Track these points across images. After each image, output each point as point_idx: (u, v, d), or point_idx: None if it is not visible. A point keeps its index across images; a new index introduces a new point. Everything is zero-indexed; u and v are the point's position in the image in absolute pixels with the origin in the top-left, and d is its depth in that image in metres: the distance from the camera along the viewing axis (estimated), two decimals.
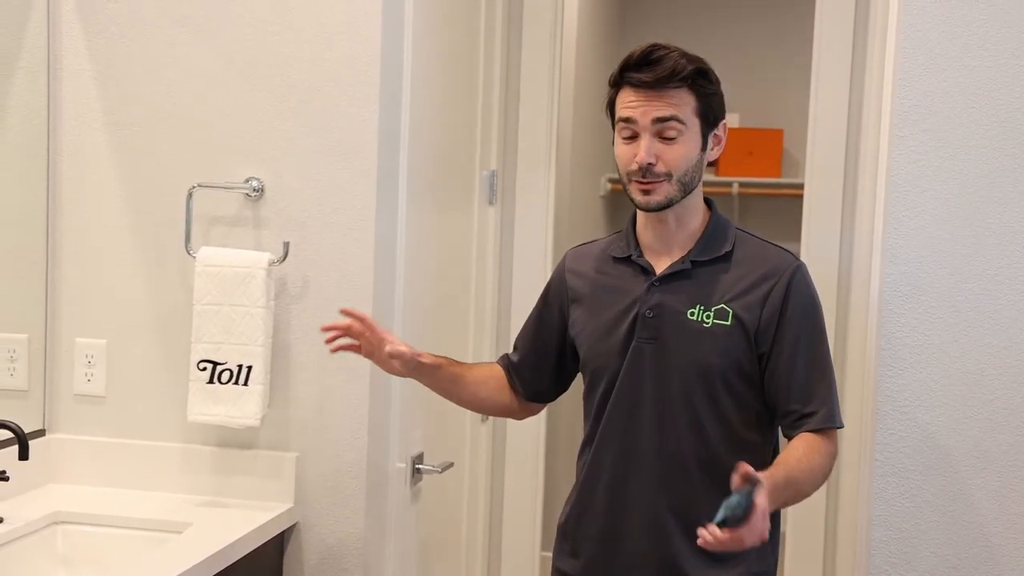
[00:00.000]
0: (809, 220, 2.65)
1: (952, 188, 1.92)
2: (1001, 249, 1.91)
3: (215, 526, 1.90)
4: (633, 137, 1.69)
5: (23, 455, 1.83)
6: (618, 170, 1.74)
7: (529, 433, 2.88)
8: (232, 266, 1.99)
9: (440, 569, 2.56)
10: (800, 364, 1.71)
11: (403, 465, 2.19)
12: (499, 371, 1.94)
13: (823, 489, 2.17)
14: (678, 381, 1.71)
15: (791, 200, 4.22)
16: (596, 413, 1.78)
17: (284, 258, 2.02)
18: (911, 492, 1.93)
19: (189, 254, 2.04)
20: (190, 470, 2.08)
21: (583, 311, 1.81)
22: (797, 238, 2.72)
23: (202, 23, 2.05)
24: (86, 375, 2.13)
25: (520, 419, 2.06)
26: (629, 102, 1.68)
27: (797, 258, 1.77)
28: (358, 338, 1.83)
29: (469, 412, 2.70)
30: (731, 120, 5.30)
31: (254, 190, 2.04)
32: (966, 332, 1.90)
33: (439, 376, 1.87)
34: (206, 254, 2.01)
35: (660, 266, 1.75)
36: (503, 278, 2.79)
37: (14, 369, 2.09)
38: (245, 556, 1.86)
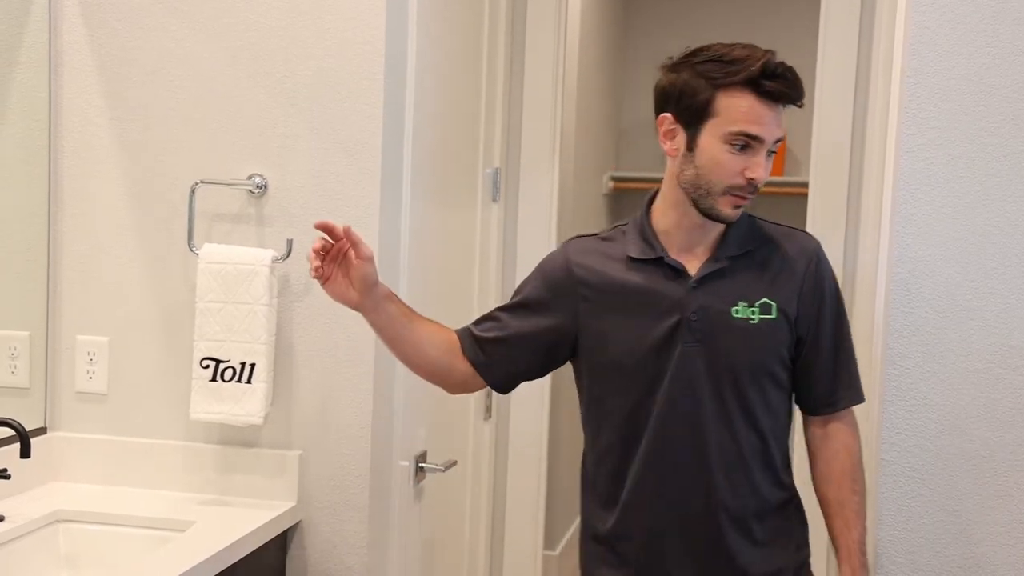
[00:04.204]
0: (813, 219, 2.64)
1: (961, 186, 1.91)
2: (1011, 248, 1.89)
3: (218, 525, 1.89)
4: (744, 148, 1.62)
5: (25, 453, 1.82)
6: (696, 175, 1.64)
7: (532, 431, 2.88)
8: (235, 263, 1.98)
9: (443, 567, 2.55)
10: (834, 346, 1.76)
11: (406, 463, 2.18)
12: (449, 335, 1.80)
13: None
14: (730, 381, 1.70)
15: (795, 199, 4.21)
16: (630, 418, 1.71)
17: (287, 255, 2.01)
18: (918, 492, 1.91)
19: (192, 251, 2.02)
20: (192, 468, 2.07)
21: (603, 312, 1.72)
22: None
23: (206, 19, 2.04)
24: (88, 372, 2.12)
25: (453, 393, 1.90)
26: (756, 114, 1.60)
27: (810, 234, 1.78)
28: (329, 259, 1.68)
29: (472, 410, 2.69)
30: None
31: (257, 187, 2.03)
32: (974, 332, 1.88)
33: (392, 312, 1.73)
34: (209, 251, 2.00)
35: (691, 266, 1.70)
36: (506, 276, 2.78)
37: (15, 367, 2.08)
38: (248, 555, 1.85)
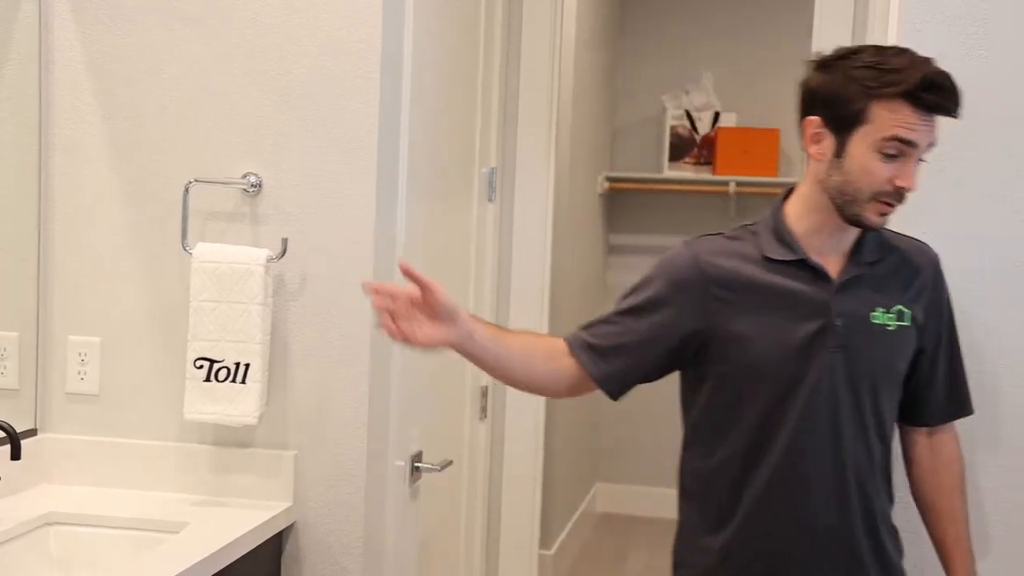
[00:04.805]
0: None
1: (953, 190, 1.90)
2: (1003, 249, 1.89)
3: (212, 526, 1.87)
4: (895, 156, 1.58)
5: (15, 455, 1.79)
6: (843, 182, 1.60)
7: (527, 431, 2.87)
8: (229, 262, 1.96)
9: (439, 567, 2.54)
10: (950, 357, 1.76)
11: (402, 463, 2.16)
12: (550, 343, 1.73)
13: None
14: (868, 389, 1.67)
15: None
16: (761, 426, 1.66)
17: (282, 255, 1.99)
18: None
19: (186, 250, 2.01)
20: (186, 469, 2.05)
21: (740, 314, 1.65)
22: None
23: (200, 15, 2.02)
24: (79, 373, 2.10)
25: (559, 398, 1.84)
26: (911, 123, 1.56)
27: (928, 244, 1.76)
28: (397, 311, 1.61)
29: (468, 410, 2.68)
30: (728, 119, 5.35)
31: (252, 185, 2.01)
32: (968, 331, 1.87)
33: (486, 335, 1.66)
34: (203, 250, 1.98)
35: (830, 270, 1.66)
36: (502, 275, 2.77)
37: (5, 367, 2.06)
38: (243, 556, 1.84)
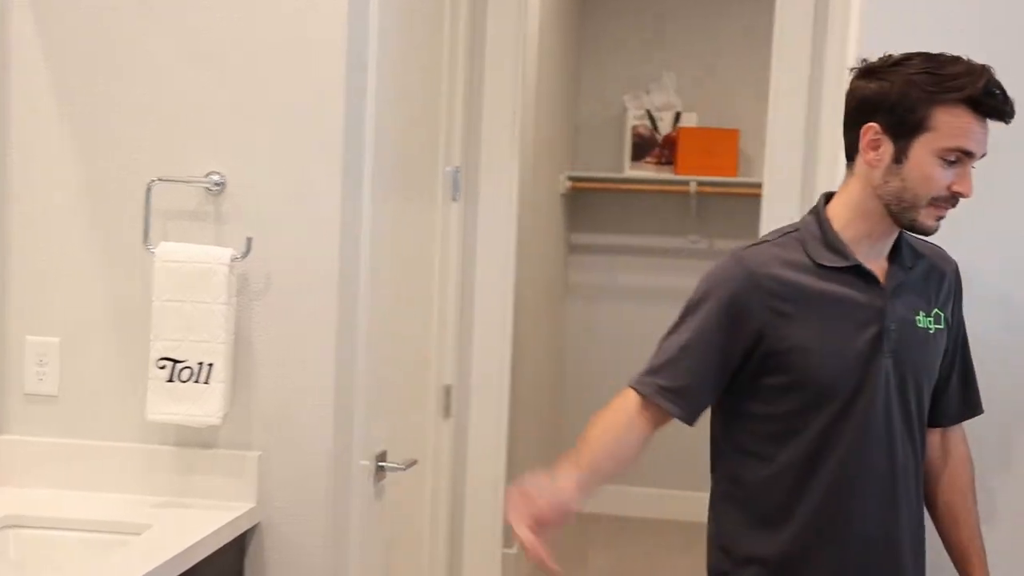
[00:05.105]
0: (768, 219, 2.66)
1: None
2: (965, 246, 1.88)
3: (175, 527, 1.86)
4: (954, 163, 1.59)
5: None
6: (902, 187, 1.61)
7: (491, 429, 2.87)
8: (193, 262, 1.95)
9: (404, 566, 2.54)
10: (964, 357, 1.81)
11: (367, 463, 2.16)
12: (619, 417, 1.70)
13: None
14: (915, 393, 1.69)
15: (748, 199, 4.25)
16: (821, 434, 1.65)
17: (246, 254, 1.97)
18: None
19: (148, 249, 1.99)
20: (149, 471, 2.03)
21: (800, 324, 1.64)
22: (754, 236, 2.73)
23: (163, 11, 2.00)
24: (38, 374, 2.07)
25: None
26: (972, 130, 1.58)
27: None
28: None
29: (432, 408, 2.68)
30: (689, 119, 5.37)
31: (215, 184, 1.99)
32: None
33: (591, 479, 1.67)
34: (166, 249, 1.97)
35: (878, 275, 1.68)
36: (466, 274, 2.77)
37: None
38: (206, 558, 1.82)
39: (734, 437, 1.73)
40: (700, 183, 4.81)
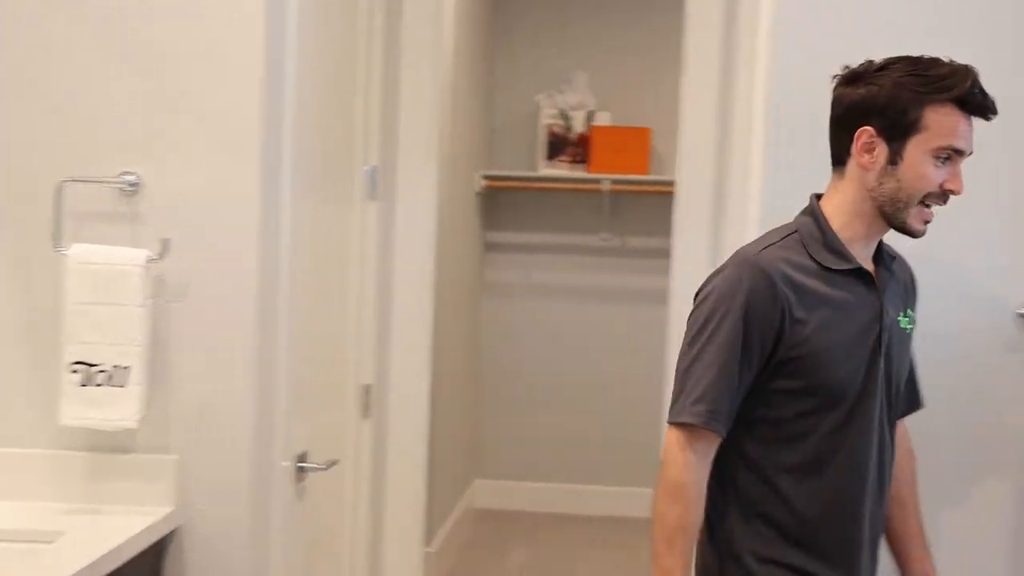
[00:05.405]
0: (682, 216, 2.70)
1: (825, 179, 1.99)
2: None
3: (89, 534, 1.82)
4: (947, 160, 1.64)
5: None
6: (897, 188, 1.65)
7: (411, 428, 2.87)
8: (107, 264, 1.91)
9: (325, 567, 2.53)
10: (913, 355, 1.84)
11: (288, 463, 2.15)
12: (691, 476, 1.65)
13: None
14: (897, 391, 1.74)
15: (660, 197, 4.32)
16: (831, 435, 1.67)
17: (163, 255, 1.95)
18: None
19: (59, 252, 1.94)
20: (62, 477, 1.99)
21: (815, 328, 1.65)
22: (667, 233, 2.79)
23: (75, 8, 1.95)
24: None
25: None
26: (962, 129, 1.63)
27: None
28: None
29: (352, 407, 2.67)
30: (602, 118, 5.44)
31: (130, 185, 1.96)
32: None
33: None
34: (78, 251, 1.93)
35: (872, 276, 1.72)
36: (385, 274, 2.77)
37: None
38: (123, 564, 1.79)
39: (738, 442, 1.70)
40: (613, 181, 4.87)
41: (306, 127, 2.15)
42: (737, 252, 1.73)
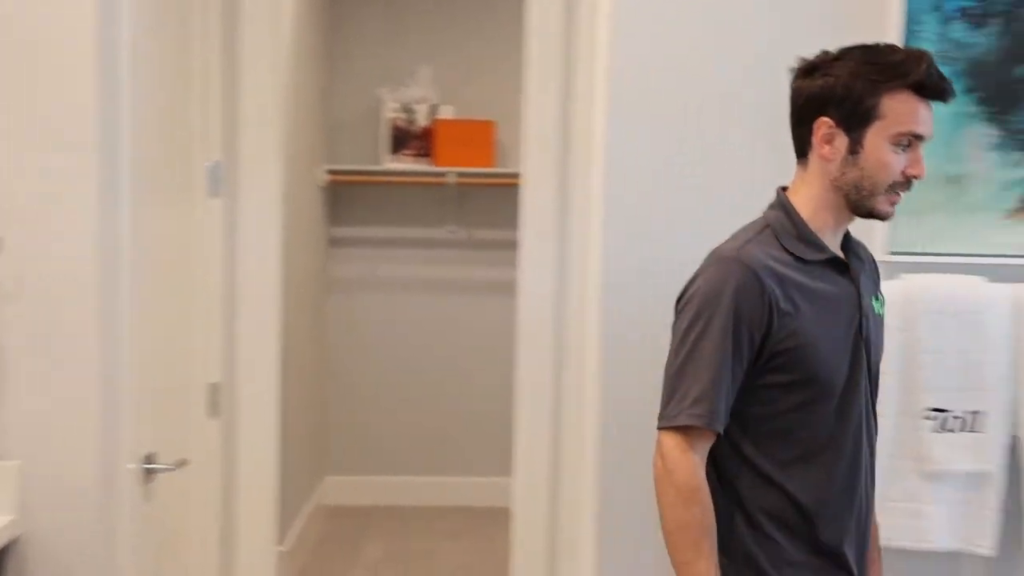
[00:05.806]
0: (529, 208, 2.75)
1: (668, 171, 2.07)
2: (708, 233, 1.82)
3: None
4: (907, 146, 1.64)
5: None
6: (860, 177, 1.65)
7: (261, 426, 2.84)
8: None
9: (176, 568, 2.48)
10: None
11: (134, 465, 2.10)
12: (698, 481, 1.64)
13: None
14: (875, 377, 1.75)
15: (506, 189, 4.39)
16: (823, 426, 1.67)
17: None
18: (638, 488, 1.88)
19: None
20: None
21: (802, 322, 1.64)
22: (513, 225, 2.84)
23: None
24: None
25: None
26: (921, 114, 1.63)
27: None
28: None
29: (202, 406, 2.62)
30: (446, 111, 5.47)
31: None
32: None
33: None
34: None
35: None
36: (230, 270, 2.72)
37: None
38: None
39: (733, 441, 1.69)
40: (459, 174, 4.91)
41: (143, 124, 2.10)
42: (713, 252, 1.71)
